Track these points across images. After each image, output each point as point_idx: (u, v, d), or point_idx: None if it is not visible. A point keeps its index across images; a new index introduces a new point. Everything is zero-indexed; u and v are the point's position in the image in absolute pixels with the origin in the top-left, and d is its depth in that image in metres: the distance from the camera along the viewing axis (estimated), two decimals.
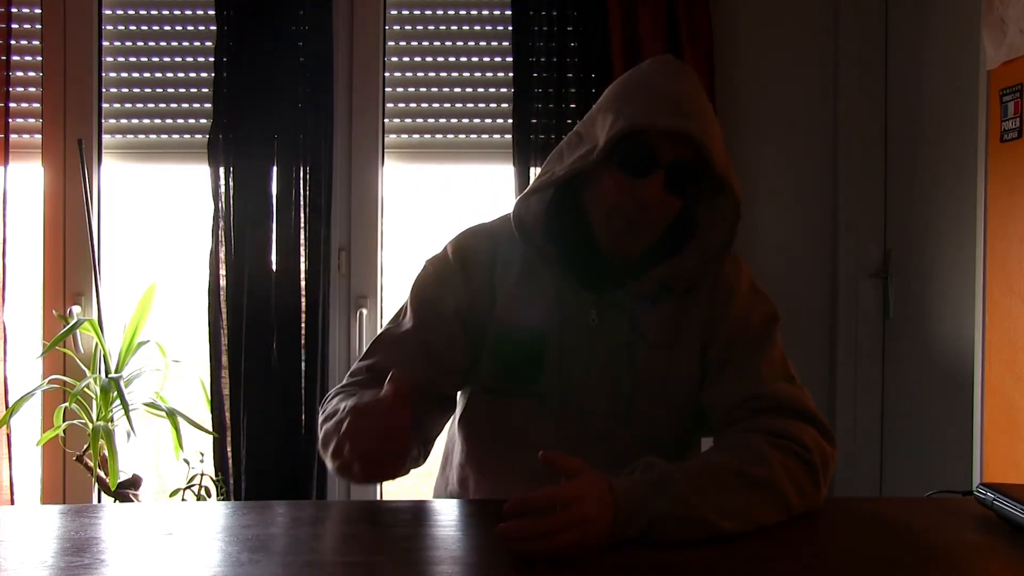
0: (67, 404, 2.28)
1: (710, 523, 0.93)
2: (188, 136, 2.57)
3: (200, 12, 2.56)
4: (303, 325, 2.48)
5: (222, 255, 2.48)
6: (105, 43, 2.56)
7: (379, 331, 1.26)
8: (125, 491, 2.33)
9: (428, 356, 1.18)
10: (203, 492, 2.39)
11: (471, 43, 2.60)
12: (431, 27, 2.60)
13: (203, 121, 2.55)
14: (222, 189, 2.48)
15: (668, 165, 1.09)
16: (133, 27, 2.57)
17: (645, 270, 1.18)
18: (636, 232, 1.13)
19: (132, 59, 2.58)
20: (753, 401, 1.12)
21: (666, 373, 1.19)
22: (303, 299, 2.49)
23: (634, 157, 1.10)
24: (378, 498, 2.53)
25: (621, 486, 0.94)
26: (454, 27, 2.60)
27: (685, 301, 1.20)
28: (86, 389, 2.31)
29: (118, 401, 2.27)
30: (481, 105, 2.60)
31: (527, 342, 1.19)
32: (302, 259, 2.49)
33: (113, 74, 2.57)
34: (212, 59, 2.50)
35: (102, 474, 2.27)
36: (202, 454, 2.43)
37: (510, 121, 2.53)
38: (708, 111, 1.14)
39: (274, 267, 2.49)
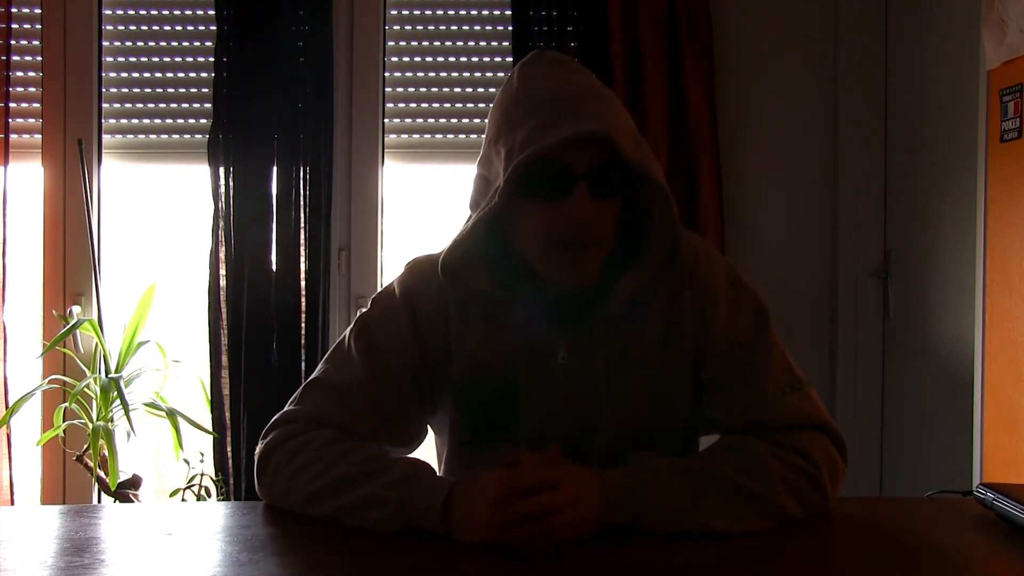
0: (67, 404, 2.28)
1: (697, 520, 0.93)
2: (188, 136, 2.57)
3: (200, 12, 2.55)
4: (303, 325, 2.48)
5: (222, 255, 2.47)
6: (105, 43, 2.56)
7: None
8: (125, 491, 2.33)
9: (376, 414, 1.08)
10: (203, 492, 2.39)
11: (471, 43, 2.60)
12: (431, 27, 2.59)
13: (203, 121, 2.54)
14: (222, 189, 2.48)
15: (586, 174, 0.97)
16: (133, 27, 2.57)
17: (607, 288, 1.06)
18: (582, 257, 1.01)
19: (132, 59, 2.58)
20: (761, 421, 1.04)
21: (658, 391, 1.10)
22: (303, 299, 2.49)
23: (548, 180, 0.98)
24: None
25: (607, 473, 0.95)
26: (454, 27, 2.60)
27: (668, 312, 1.09)
28: (86, 389, 2.31)
29: (118, 401, 2.27)
30: (481, 105, 2.59)
31: (497, 393, 1.08)
32: (302, 259, 2.49)
33: (113, 74, 2.57)
34: (212, 59, 2.50)
35: (102, 474, 2.27)
36: (202, 454, 2.43)
37: None
38: (603, 92, 1.02)
39: (274, 267, 2.49)
